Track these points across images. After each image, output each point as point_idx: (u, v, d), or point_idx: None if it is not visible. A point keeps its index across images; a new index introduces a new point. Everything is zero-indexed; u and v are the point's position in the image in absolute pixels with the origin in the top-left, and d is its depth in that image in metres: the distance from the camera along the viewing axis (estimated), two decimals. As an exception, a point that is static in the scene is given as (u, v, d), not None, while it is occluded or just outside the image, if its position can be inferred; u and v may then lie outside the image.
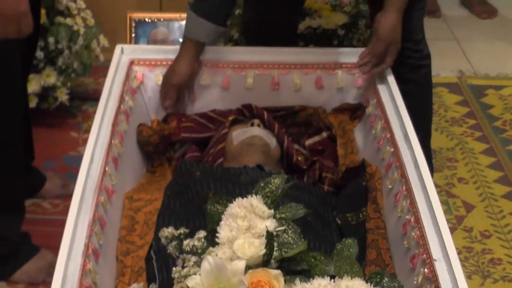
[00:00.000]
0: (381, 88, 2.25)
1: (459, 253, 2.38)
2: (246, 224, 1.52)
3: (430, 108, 2.61)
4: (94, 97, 3.07)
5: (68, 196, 1.74)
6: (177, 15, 3.42)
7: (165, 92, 2.35)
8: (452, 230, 2.51)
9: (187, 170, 2.13)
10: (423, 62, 2.45)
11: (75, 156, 2.84)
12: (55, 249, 1.58)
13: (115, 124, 2.05)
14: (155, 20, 3.44)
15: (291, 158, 2.30)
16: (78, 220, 1.67)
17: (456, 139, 3.10)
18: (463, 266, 2.36)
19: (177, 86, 2.33)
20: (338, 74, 2.42)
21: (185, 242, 1.58)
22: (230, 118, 2.35)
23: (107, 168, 1.90)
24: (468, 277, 2.33)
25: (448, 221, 2.49)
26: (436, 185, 2.65)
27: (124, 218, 2.00)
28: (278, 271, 1.42)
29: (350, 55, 2.43)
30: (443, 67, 3.59)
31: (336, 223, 2.01)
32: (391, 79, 2.25)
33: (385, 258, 1.81)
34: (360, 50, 2.37)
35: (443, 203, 2.64)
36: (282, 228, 1.57)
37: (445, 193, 2.74)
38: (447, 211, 2.61)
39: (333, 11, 3.18)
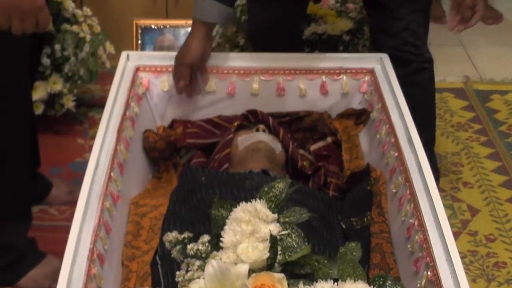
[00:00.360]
0: (386, 93, 2.25)
1: (464, 256, 2.40)
2: (250, 228, 1.52)
3: (434, 112, 2.61)
4: (100, 104, 3.06)
5: (75, 203, 1.72)
6: (183, 21, 3.43)
7: (179, 72, 2.33)
8: (457, 234, 2.51)
9: (192, 175, 2.13)
10: (426, 65, 2.46)
11: (81, 162, 2.84)
12: (62, 255, 1.57)
13: (120, 130, 2.05)
14: (161, 27, 3.45)
15: (296, 163, 2.30)
16: (83, 225, 1.67)
17: (462, 143, 3.11)
18: (467, 269, 2.37)
19: (191, 66, 2.31)
20: (343, 79, 2.43)
21: (189, 247, 1.58)
22: (236, 123, 2.36)
23: (112, 174, 1.90)
24: (473, 280, 2.33)
25: (453, 225, 2.51)
26: (441, 190, 2.67)
27: (130, 224, 2.01)
28: (282, 275, 1.43)
29: (355, 60, 2.43)
30: (449, 72, 3.60)
31: (341, 227, 2.02)
32: (395, 83, 2.24)
33: (389, 261, 1.81)
34: (364, 55, 2.36)
35: (448, 207, 2.65)
36: (286, 232, 1.58)
37: (450, 197, 2.74)
38: (452, 215, 2.61)
39: (339, 17, 3.19)
